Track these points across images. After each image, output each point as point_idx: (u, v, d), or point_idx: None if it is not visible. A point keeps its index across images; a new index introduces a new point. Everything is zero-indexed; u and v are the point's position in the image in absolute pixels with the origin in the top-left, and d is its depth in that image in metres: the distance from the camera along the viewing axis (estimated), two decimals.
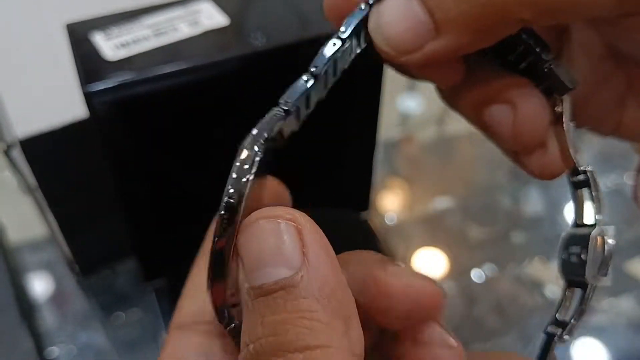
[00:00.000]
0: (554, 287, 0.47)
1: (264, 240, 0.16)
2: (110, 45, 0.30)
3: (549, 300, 0.46)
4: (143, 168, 0.32)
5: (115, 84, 0.28)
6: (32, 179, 0.37)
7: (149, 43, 0.30)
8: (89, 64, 0.29)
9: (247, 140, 0.16)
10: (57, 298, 0.46)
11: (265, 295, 0.15)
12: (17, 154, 0.35)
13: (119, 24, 0.31)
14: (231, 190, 0.15)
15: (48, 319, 0.44)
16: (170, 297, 0.38)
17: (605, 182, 0.55)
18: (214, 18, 0.32)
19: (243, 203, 0.16)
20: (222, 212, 0.16)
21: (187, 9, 0.32)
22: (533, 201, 0.54)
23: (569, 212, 0.53)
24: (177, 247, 0.31)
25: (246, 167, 0.16)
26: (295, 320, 0.15)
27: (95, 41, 0.30)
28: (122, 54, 0.29)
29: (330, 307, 0.15)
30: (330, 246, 0.16)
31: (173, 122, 0.31)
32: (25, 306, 0.45)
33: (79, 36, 0.30)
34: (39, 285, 0.47)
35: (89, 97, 0.28)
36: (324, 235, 0.16)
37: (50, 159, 0.36)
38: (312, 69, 0.17)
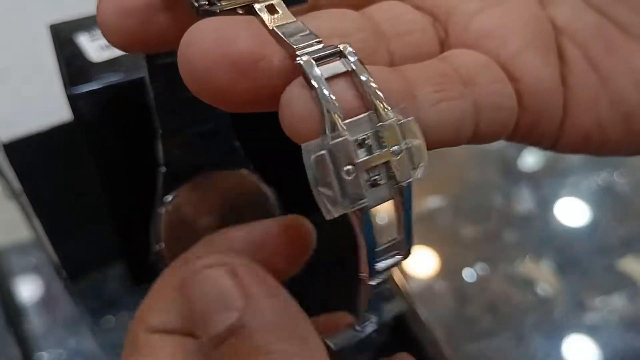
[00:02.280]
0: (546, 286, 0.47)
1: (206, 290, 0.16)
2: (95, 47, 0.29)
3: (541, 298, 0.47)
4: (130, 171, 0.32)
5: (101, 86, 0.27)
6: (16, 184, 0.36)
7: None
8: (73, 65, 0.28)
9: None
10: (45, 303, 0.45)
11: (223, 342, 0.16)
12: (1, 158, 0.35)
13: None
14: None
15: (36, 324, 0.44)
16: None
17: (596, 180, 0.55)
18: None
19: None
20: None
21: None
22: (525, 200, 0.54)
23: (561, 211, 0.53)
24: None
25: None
26: (257, 357, 0.15)
27: (80, 42, 0.30)
28: (107, 55, 0.29)
29: (283, 333, 0.16)
30: (270, 276, 0.17)
31: None
32: (12, 311, 0.44)
33: (63, 37, 0.30)
34: (26, 290, 0.46)
35: (73, 100, 0.27)
36: (260, 268, 0.17)
37: (35, 162, 0.35)
38: None
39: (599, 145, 0.20)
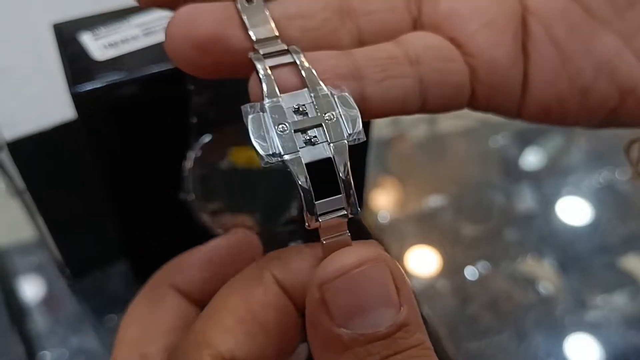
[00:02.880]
0: (547, 284, 0.47)
1: (372, 284, 0.16)
2: (98, 45, 0.29)
3: (542, 296, 0.47)
4: (133, 169, 0.32)
5: (104, 84, 0.27)
6: (20, 182, 0.36)
7: (138, 43, 0.30)
8: (76, 64, 0.28)
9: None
10: (48, 302, 0.45)
11: (384, 338, 0.16)
12: (5, 156, 0.35)
13: (107, 24, 0.31)
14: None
15: (39, 323, 0.44)
16: None
17: (597, 179, 0.55)
18: None
19: None
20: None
21: None
22: (525, 198, 0.54)
23: (562, 209, 0.53)
24: (168, 249, 0.31)
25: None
26: (419, 352, 0.16)
27: (83, 41, 0.30)
28: (111, 54, 0.29)
29: (425, 333, 0.16)
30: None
31: (163, 122, 0.30)
32: (16, 310, 0.44)
33: (67, 36, 0.30)
34: (29, 289, 0.46)
35: (77, 98, 0.27)
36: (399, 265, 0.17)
37: (39, 161, 0.35)
38: None
39: (559, 117, 0.22)
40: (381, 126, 0.60)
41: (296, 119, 0.17)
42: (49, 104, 0.34)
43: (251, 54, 0.18)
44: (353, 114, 0.17)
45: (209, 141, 0.29)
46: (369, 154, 0.40)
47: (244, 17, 0.18)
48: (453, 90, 0.20)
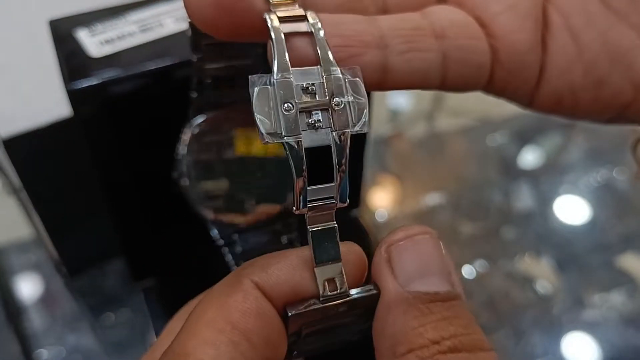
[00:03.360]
0: (545, 283, 0.47)
1: (432, 253, 0.17)
2: (94, 42, 0.29)
3: (540, 295, 0.47)
4: (130, 167, 0.32)
5: (100, 81, 0.27)
6: (16, 180, 0.36)
7: (135, 39, 0.30)
8: (73, 61, 0.28)
9: None
10: (45, 300, 0.45)
11: (444, 301, 0.16)
12: (1, 154, 0.35)
13: (104, 20, 0.31)
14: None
15: (36, 321, 0.44)
16: (159, 297, 0.38)
17: (595, 177, 0.56)
18: None
19: None
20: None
21: (173, 4, 0.32)
22: (523, 196, 0.54)
23: (560, 208, 0.53)
24: (165, 246, 0.31)
25: None
26: (474, 325, 0.16)
27: (79, 38, 0.30)
28: (107, 50, 0.29)
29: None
30: None
31: (160, 119, 0.30)
32: (12, 308, 0.44)
33: (63, 33, 0.30)
34: (26, 287, 0.46)
35: (73, 95, 0.27)
36: None
37: (35, 158, 0.35)
38: None
39: (571, 108, 0.22)
40: (379, 124, 0.60)
41: (303, 99, 0.16)
42: (45, 101, 0.34)
43: (266, 15, 0.17)
44: (361, 103, 0.17)
45: (208, 119, 0.28)
46: (367, 151, 0.40)
47: None
48: (474, 69, 0.20)
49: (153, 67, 0.28)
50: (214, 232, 0.30)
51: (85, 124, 0.29)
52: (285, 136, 0.16)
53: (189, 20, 0.23)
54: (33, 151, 0.35)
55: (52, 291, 0.46)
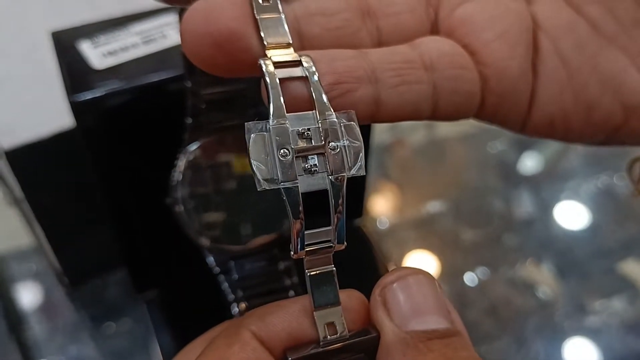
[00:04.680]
0: (547, 289, 0.47)
1: (426, 292, 0.17)
2: (97, 54, 0.29)
3: (542, 302, 0.47)
4: (132, 178, 0.32)
5: (103, 93, 0.27)
6: (18, 191, 0.36)
7: (138, 51, 0.30)
8: (75, 72, 0.28)
9: None
10: (46, 309, 0.45)
11: (442, 338, 0.16)
12: (3, 165, 0.35)
13: (106, 32, 0.31)
14: None
15: (37, 331, 0.44)
16: (162, 308, 0.38)
17: (595, 184, 0.56)
18: None
19: None
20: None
21: (176, 16, 0.32)
22: (524, 203, 0.54)
23: (561, 214, 0.53)
24: (167, 258, 0.31)
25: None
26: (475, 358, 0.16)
27: (82, 49, 0.30)
28: (110, 62, 0.29)
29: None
30: None
31: (163, 131, 0.30)
32: (13, 318, 0.44)
33: (65, 44, 0.30)
34: (27, 297, 0.46)
35: (75, 107, 0.27)
36: None
37: (37, 169, 0.35)
38: None
39: (563, 132, 0.22)
40: (380, 131, 0.60)
41: (299, 144, 0.16)
42: (48, 113, 0.33)
43: (261, 62, 0.17)
44: (357, 147, 0.17)
45: (203, 145, 0.28)
46: (368, 159, 0.40)
47: (258, 18, 0.17)
48: (464, 98, 0.20)
49: (156, 79, 0.28)
50: (210, 260, 0.30)
51: (87, 135, 0.29)
52: (282, 182, 0.16)
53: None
54: (35, 162, 0.35)
55: (54, 301, 0.46)
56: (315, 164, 0.16)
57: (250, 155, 0.16)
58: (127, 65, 0.29)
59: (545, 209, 0.54)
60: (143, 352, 0.42)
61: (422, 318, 0.17)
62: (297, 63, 0.17)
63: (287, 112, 0.16)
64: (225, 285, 0.30)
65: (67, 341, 0.43)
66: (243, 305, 0.29)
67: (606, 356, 0.43)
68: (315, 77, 0.17)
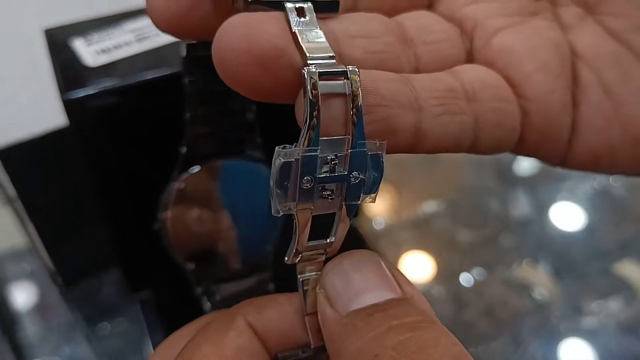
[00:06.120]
0: (543, 290, 0.47)
1: (365, 271, 0.17)
2: (90, 51, 0.29)
3: (538, 303, 0.46)
4: (126, 177, 0.31)
5: (96, 90, 0.27)
6: (11, 190, 0.36)
7: (131, 48, 0.29)
8: (68, 70, 0.28)
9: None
10: (40, 309, 0.45)
11: (382, 311, 0.16)
12: None
13: (100, 30, 0.30)
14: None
15: (30, 331, 0.44)
16: (156, 309, 0.38)
17: (592, 184, 0.56)
18: None
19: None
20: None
21: None
22: (521, 204, 0.54)
23: (557, 215, 0.53)
24: (162, 258, 0.31)
25: None
26: (424, 322, 0.16)
27: (75, 47, 0.29)
28: (103, 60, 0.29)
29: (430, 309, 0.17)
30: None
31: (157, 129, 0.30)
32: (7, 318, 0.44)
33: (58, 42, 0.30)
34: (21, 297, 0.46)
35: (69, 105, 0.27)
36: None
37: (30, 168, 0.35)
38: None
39: (609, 166, 0.20)
40: None
41: (323, 174, 0.16)
42: (41, 111, 0.33)
43: (304, 71, 0.15)
44: (376, 177, 0.16)
45: (194, 174, 0.29)
46: None
47: (296, 31, 0.16)
48: (506, 133, 0.19)
49: (150, 77, 0.28)
50: (192, 281, 0.30)
51: (81, 133, 0.29)
52: (298, 208, 0.16)
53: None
54: (28, 161, 0.34)
55: (48, 301, 0.45)
56: (333, 191, 0.16)
57: (273, 182, 0.15)
58: (120, 63, 0.29)
59: (542, 209, 0.54)
60: (137, 351, 0.42)
61: (361, 297, 0.16)
62: (342, 74, 0.16)
63: (320, 136, 0.16)
64: (207, 307, 0.30)
65: (61, 341, 0.43)
66: None
67: (602, 357, 0.43)
68: (360, 100, 0.16)
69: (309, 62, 0.16)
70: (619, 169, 0.21)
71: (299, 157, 0.15)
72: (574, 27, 0.21)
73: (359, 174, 0.16)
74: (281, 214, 0.16)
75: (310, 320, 0.18)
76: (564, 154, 0.20)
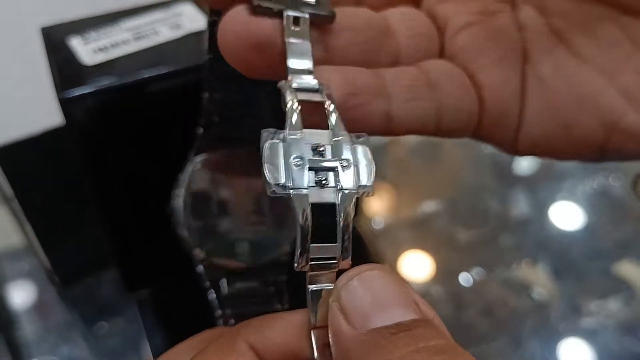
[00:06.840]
0: (542, 290, 0.47)
1: (387, 285, 0.16)
2: (87, 50, 0.29)
3: (537, 303, 0.46)
4: (123, 176, 0.31)
5: (93, 89, 0.27)
6: (8, 189, 0.36)
7: (129, 47, 0.29)
8: (65, 69, 0.28)
9: None
10: (37, 309, 0.45)
11: (407, 330, 0.15)
12: None
13: (97, 28, 0.30)
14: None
15: (27, 331, 0.43)
16: (153, 308, 0.38)
17: (591, 184, 0.56)
18: (196, 21, 0.31)
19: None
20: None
21: (168, 12, 0.31)
22: (520, 203, 0.54)
23: (556, 215, 0.53)
24: (160, 257, 0.31)
25: None
26: (450, 347, 0.15)
27: (72, 45, 0.29)
28: (101, 58, 0.29)
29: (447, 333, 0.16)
30: None
31: (154, 128, 0.30)
32: (4, 318, 0.44)
33: (55, 40, 0.29)
34: (18, 296, 0.45)
35: (65, 104, 0.27)
36: None
37: (27, 167, 0.35)
38: None
39: (548, 152, 0.23)
40: None
41: (313, 157, 0.17)
42: (37, 110, 0.33)
43: (282, 84, 0.18)
44: (369, 166, 0.17)
45: (209, 158, 0.29)
46: None
47: (286, 41, 0.19)
48: (465, 117, 0.22)
49: (147, 76, 0.28)
50: (200, 270, 0.30)
51: (78, 132, 0.28)
52: (292, 189, 0.16)
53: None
54: (25, 160, 0.34)
55: (45, 300, 0.45)
56: (326, 178, 0.17)
57: (264, 159, 0.16)
58: (117, 61, 0.28)
59: (541, 209, 0.54)
60: (135, 351, 0.42)
61: (384, 313, 0.15)
62: (316, 90, 0.18)
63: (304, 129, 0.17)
64: (213, 298, 0.29)
65: (58, 341, 0.43)
66: (232, 322, 0.29)
67: (602, 357, 0.43)
68: (332, 106, 0.18)
69: (289, 76, 0.18)
70: (559, 156, 0.23)
71: (286, 138, 0.17)
72: (525, 28, 0.23)
73: (348, 163, 0.17)
74: (276, 193, 0.16)
75: (317, 334, 0.17)
76: (513, 142, 0.23)
